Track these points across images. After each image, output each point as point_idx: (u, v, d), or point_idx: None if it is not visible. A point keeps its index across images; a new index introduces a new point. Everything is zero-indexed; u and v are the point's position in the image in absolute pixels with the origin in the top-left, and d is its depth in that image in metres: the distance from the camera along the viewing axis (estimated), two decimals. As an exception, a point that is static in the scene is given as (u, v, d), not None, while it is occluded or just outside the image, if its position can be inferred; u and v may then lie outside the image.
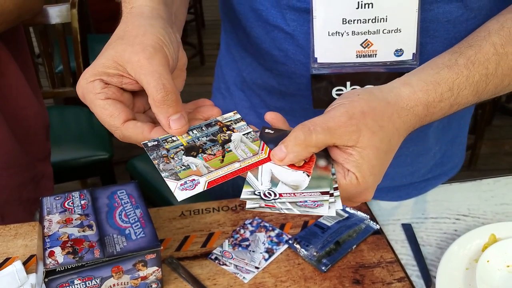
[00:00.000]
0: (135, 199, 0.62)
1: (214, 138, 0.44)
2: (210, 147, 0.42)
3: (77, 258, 0.52)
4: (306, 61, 0.59)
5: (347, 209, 0.72)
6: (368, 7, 0.53)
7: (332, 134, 0.42)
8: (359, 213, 0.71)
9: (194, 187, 0.40)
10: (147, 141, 0.42)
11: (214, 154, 0.42)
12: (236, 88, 0.76)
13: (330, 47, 0.56)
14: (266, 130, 0.47)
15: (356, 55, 0.56)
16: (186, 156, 0.42)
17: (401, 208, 0.75)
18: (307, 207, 0.41)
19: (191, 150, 0.42)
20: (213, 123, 0.45)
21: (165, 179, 0.40)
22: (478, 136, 2.40)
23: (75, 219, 0.58)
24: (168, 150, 0.42)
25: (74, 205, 0.61)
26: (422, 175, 0.76)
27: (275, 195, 0.42)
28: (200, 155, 0.42)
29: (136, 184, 0.64)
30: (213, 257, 0.64)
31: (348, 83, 0.58)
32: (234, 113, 0.47)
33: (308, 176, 0.43)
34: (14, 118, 0.92)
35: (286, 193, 0.42)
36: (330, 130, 0.42)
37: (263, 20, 0.60)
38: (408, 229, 0.70)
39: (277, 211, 0.41)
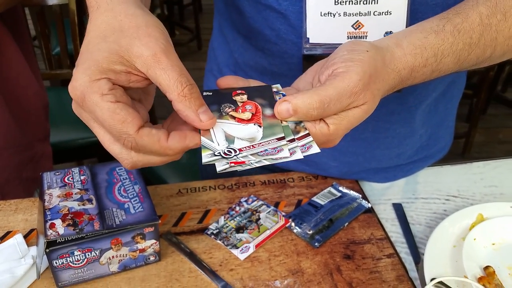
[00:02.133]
0: (133, 176, 0.64)
1: (251, 219, 0.68)
2: (250, 225, 0.67)
3: (77, 230, 0.54)
4: (297, 41, 0.60)
5: (340, 188, 0.74)
6: None
7: (345, 106, 0.43)
8: (352, 192, 0.73)
9: (248, 250, 0.63)
10: (209, 229, 0.66)
11: (253, 229, 0.66)
12: (228, 70, 0.77)
13: (322, 28, 0.56)
14: (205, 94, 0.46)
15: (347, 36, 0.57)
16: (237, 233, 0.65)
17: (392, 189, 0.77)
18: (269, 154, 0.42)
19: (239, 229, 0.66)
20: (247, 210, 0.69)
21: (231, 250, 0.63)
22: (472, 124, 2.42)
23: (75, 194, 0.59)
24: (225, 233, 0.65)
25: (74, 180, 0.62)
26: (408, 157, 0.77)
27: (235, 151, 0.42)
28: (245, 231, 0.66)
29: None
30: (209, 232, 0.65)
31: None
32: (257, 201, 0.71)
33: (260, 126, 0.44)
34: (14, 97, 0.93)
35: (245, 147, 0.42)
36: (343, 104, 0.42)
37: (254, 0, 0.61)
38: (398, 209, 0.72)
39: (248, 167, 0.41)
